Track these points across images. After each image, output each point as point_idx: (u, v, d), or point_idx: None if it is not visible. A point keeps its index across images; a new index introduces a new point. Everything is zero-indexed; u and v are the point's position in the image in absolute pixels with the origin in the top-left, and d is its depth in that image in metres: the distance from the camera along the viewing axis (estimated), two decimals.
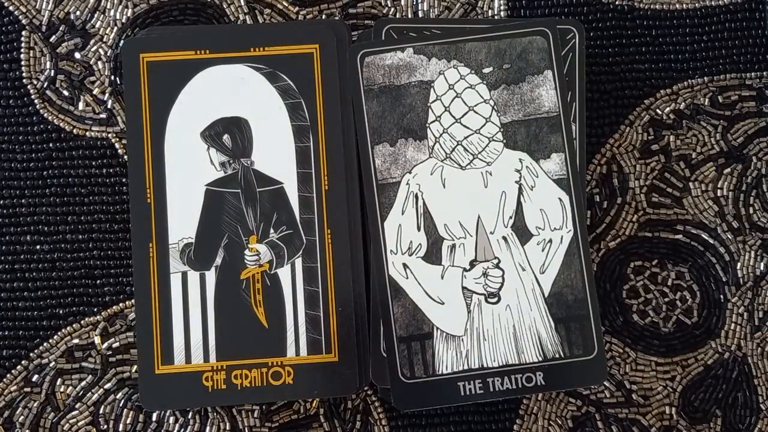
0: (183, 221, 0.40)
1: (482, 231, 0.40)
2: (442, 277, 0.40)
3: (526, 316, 0.39)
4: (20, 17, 0.43)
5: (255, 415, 0.41)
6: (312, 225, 0.40)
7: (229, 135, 0.40)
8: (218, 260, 0.40)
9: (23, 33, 0.43)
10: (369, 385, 0.41)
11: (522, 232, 0.40)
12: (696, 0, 0.44)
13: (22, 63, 0.43)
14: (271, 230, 0.40)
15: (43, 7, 0.43)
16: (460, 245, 0.40)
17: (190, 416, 0.41)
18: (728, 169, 0.43)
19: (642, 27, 0.44)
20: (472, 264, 0.40)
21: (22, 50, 0.43)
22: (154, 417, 0.41)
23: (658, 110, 0.44)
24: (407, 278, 0.40)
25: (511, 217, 0.40)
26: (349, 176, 0.40)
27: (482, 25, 0.42)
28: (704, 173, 0.43)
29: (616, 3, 0.44)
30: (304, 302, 0.40)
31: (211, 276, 0.40)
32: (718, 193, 0.43)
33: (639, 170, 0.43)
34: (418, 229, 0.40)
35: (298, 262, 0.40)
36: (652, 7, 0.44)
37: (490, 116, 0.40)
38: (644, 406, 0.42)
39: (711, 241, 0.43)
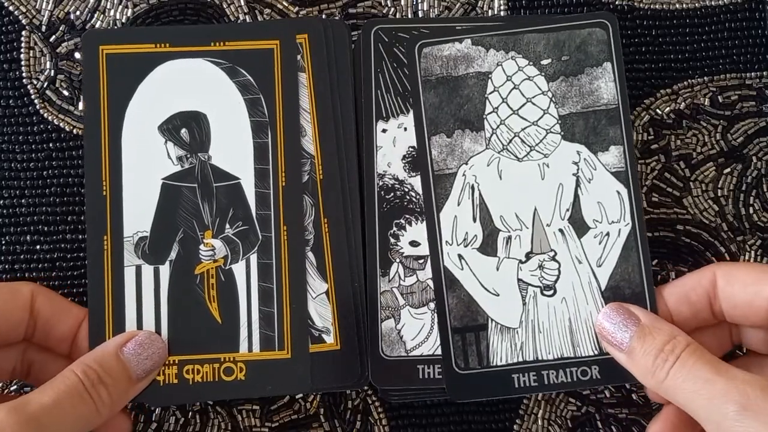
0: (138, 214, 0.40)
1: (538, 223, 0.39)
2: (498, 269, 0.40)
3: (582, 309, 0.39)
4: (20, 17, 0.43)
5: (255, 415, 0.41)
6: (268, 221, 0.40)
7: (187, 129, 0.40)
8: (173, 254, 0.40)
9: (23, 33, 0.43)
10: (369, 385, 0.41)
11: (579, 225, 0.40)
12: (696, 0, 0.44)
13: (22, 63, 0.43)
14: (227, 225, 0.40)
15: (43, 7, 0.43)
16: (516, 237, 0.40)
17: (190, 416, 0.41)
18: (728, 169, 0.43)
19: (642, 27, 0.44)
20: (528, 256, 0.40)
21: (22, 50, 0.43)
22: (154, 417, 0.41)
23: (658, 110, 0.43)
24: (462, 269, 0.39)
25: (568, 210, 0.40)
26: (348, 168, 0.40)
27: (541, 17, 0.41)
28: (704, 173, 0.43)
29: (616, 3, 0.44)
30: (258, 299, 0.39)
31: (165, 270, 0.39)
32: (718, 193, 0.43)
33: (639, 170, 0.43)
34: (474, 220, 0.40)
35: (253, 258, 0.40)
36: (652, 7, 0.44)
37: (548, 108, 0.40)
38: (644, 406, 0.42)
39: (711, 240, 0.43)
